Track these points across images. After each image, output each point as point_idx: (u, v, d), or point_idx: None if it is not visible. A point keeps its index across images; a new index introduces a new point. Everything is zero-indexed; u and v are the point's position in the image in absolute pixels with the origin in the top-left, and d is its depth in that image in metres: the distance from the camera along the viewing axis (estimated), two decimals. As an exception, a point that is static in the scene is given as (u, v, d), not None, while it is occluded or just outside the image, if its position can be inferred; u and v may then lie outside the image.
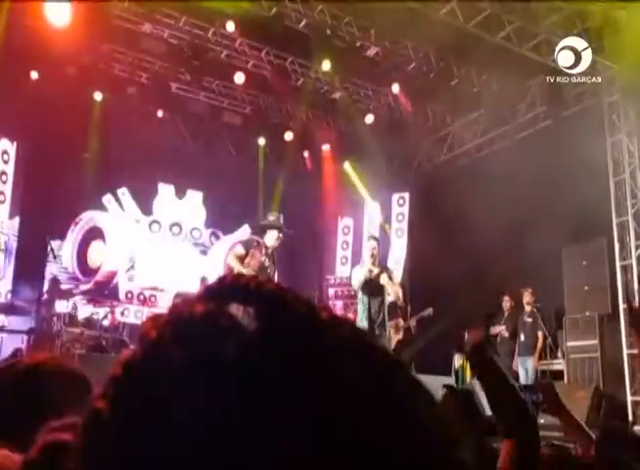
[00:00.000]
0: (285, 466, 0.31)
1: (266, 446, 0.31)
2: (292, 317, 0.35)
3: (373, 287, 6.37)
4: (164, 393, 0.32)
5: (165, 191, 10.70)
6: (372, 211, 11.96)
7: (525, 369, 8.02)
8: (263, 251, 5.97)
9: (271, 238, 6.01)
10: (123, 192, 10.32)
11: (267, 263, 5.99)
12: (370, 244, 6.83)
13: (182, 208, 10.89)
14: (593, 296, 7.85)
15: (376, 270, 6.45)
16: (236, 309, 0.35)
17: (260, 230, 6.32)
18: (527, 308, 8.18)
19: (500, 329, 8.48)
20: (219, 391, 0.31)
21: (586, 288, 7.93)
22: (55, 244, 9.08)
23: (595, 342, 7.72)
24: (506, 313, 8.57)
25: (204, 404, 0.31)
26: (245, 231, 10.96)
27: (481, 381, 1.43)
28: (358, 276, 6.49)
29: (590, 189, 7.67)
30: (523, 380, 7.85)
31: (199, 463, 0.30)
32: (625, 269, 7.92)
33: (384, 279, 6.39)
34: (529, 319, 8.13)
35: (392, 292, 6.51)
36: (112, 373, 0.34)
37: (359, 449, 0.32)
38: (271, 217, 6.29)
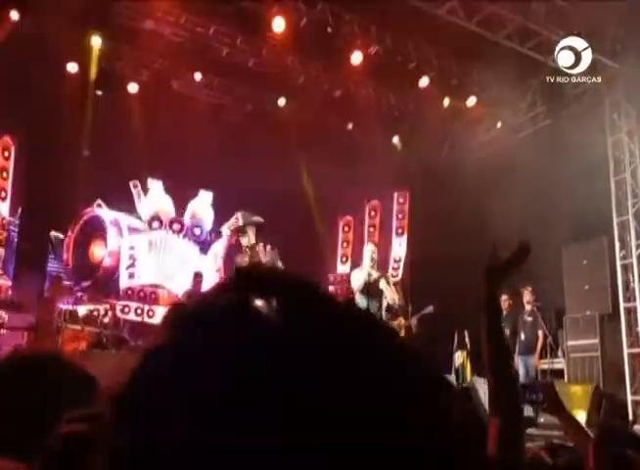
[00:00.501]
0: (310, 457, 0.31)
1: (289, 435, 0.31)
2: (313, 308, 0.36)
3: (371, 290, 6.48)
4: (189, 383, 0.32)
5: (166, 189, 10.70)
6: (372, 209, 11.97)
7: (525, 368, 8.03)
8: (248, 252, 6.01)
9: (249, 237, 6.04)
10: (124, 190, 10.33)
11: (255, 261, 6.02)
12: (369, 248, 7.00)
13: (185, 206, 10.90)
14: (593, 295, 7.86)
15: (375, 274, 6.59)
16: (257, 300, 0.36)
17: (236, 234, 6.39)
18: (528, 307, 8.18)
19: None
20: (244, 381, 0.32)
21: (587, 287, 7.94)
22: (55, 241, 9.11)
23: (595, 341, 7.73)
24: (505, 312, 8.57)
25: (229, 395, 0.31)
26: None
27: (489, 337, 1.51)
28: (358, 279, 6.60)
29: (591, 188, 7.67)
30: (523, 379, 7.86)
31: (222, 452, 0.31)
32: (626, 268, 7.92)
33: (382, 284, 6.51)
34: (530, 318, 8.13)
35: (390, 297, 6.63)
36: (138, 361, 0.34)
37: (382, 439, 0.32)
38: (237, 220, 6.30)
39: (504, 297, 8.55)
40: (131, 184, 10.44)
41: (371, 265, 6.65)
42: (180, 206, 10.81)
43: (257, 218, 6.35)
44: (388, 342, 0.37)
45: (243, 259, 5.99)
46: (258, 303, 0.35)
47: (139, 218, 10.50)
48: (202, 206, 11.04)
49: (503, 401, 1.40)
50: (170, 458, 0.31)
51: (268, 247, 6.09)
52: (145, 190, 10.51)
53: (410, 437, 0.33)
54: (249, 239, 6.01)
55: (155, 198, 10.58)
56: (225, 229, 6.40)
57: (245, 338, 0.33)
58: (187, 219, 10.89)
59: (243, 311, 0.35)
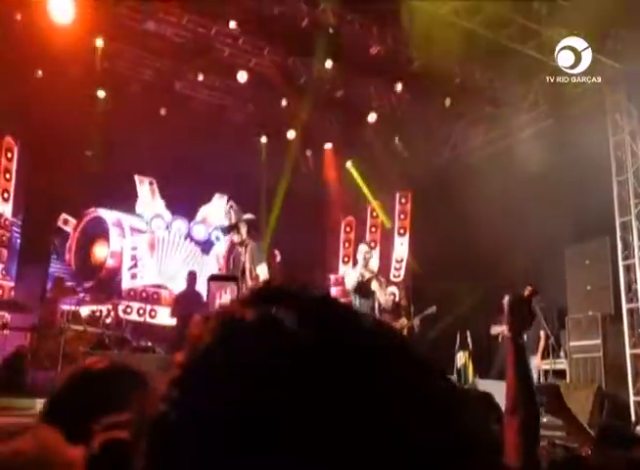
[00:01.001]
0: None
1: (320, 447, 0.32)
2: (339, 324, 0.37)
3: (363, 290, 6.55)
4: (223, 398, 0.33)
5: (167, 188, 10.72)
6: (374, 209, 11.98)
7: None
8: (239, 249, 6.08)
9: (241, 234, 6.11)
10: (126, 190, 10.34)
11: (242, 258, 6.08)
12: (362, 248, 7.01)
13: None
14: (596, 295, 7.85)
15: (367, 274, 6.66)
16: (282, 313, 0.37)
17: (228, 233, 6.49)
18: (530, 308, 8.16)
19: (502, 329, 8.48)
20: (276, 397, 0.33)
21: (589, 288, 7.93)
22: (58, 241, 9.11)
23: (598, 342, 7.71)
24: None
25: (262, 410, 0.33)
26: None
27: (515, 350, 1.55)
28: (351, 279, 6.67)
29: (593, 188, 7.66)
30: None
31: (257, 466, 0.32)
32: (628, 269, 7.90)
33: (374, 285, 6.58)
34: (531, 319, 8.11)
35: (382, 299, 6.68)
36: (171, 375, 0.36)
37: (407, 449, 0.33)
38: (228, 220, 6.36)
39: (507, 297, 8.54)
40: (147, 181, 10.48)
41: (364, 265, 6.70)
42: (180, 205, 10.82)
43: (249, 215, 6.44)
44: (413, 359, 0.38)
45: (238, 258, 6.06)
46: (286, 317, 0.36)
47: (141, 218, 10.52)
48: (213, 211, 11.08)
49: (528, 443, 1.43)
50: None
51: (254, 244, 6.17)
52: (153, 190, 10.55)
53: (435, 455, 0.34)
54: (240, 236, 6.08)
55: (147, 199, 10.59)
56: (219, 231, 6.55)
57: (275, 354, 0.34)
58: (197, 222, 10.92)
59: (272, 327, 0.36)
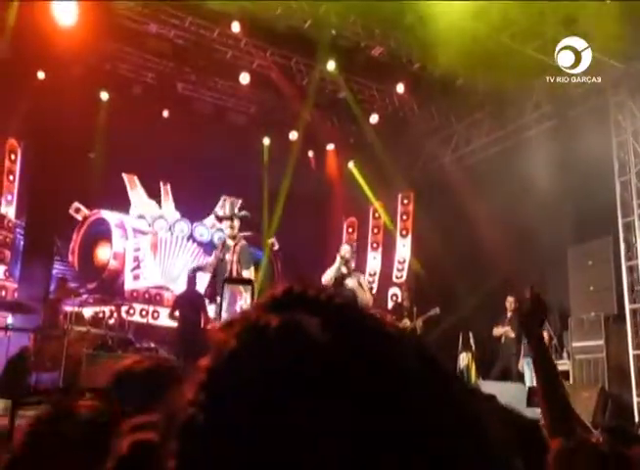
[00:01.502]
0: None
1: (345, 453, 0.33)
2: (361, 330, 0.38)
3: (337, 286, 6.63)
4: (249, 403, 0.35)
5: (170, 190, 10.74)
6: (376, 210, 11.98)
7: (530, 370, 8.00)
8: (229, 244, 6.06)
9: (233, 228, 6.09)
10: (129, 191, 10.36)
11: (227, 257, 6.03)
12: (343, 247, 7.23)
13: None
14: (599, 296, 7.83)
15: (345, 270, 6.82)
16: (305, 319, 0.38)
17: (220, 222, 6.49)
18: (532, 309, 8.15)
19: (505, 330, 8.47)
20: (301, 403, 0.34)
21: (592, 288, 7.91)
22: (61, 243, 9.14)
23: (601, 342, 7.70)
24: (510, 314, 8.55)
25: (288, 416, 0.34)
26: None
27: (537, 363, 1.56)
28: (327, 275, 6.82)
29: (596, 189, 7.65)
30: (528, 380, 7.83)
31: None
32: (631, 270, 7.89)
33: (352, 283, 6.69)
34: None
35: (362, 298, 6.75)
36: (198, 379, 0.37)
37: (428, 451, 0.35)
38: (222, 209, 6.37)
39: (510, 299, 8.53)
40: (161, 184, 10.51)
41: (342, 263, 6.90)
42: (182, 207, 10.83)
43: (245, 212, 6.46)
44: (436, 366, 0.39)
45: (226, 253, 6.02)
46: (309, 323, 0.38)
47: (144, 220, 10.54)
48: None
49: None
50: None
51: (245, 244, 6.15)
52: (144, 193, 10.55)
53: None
54: (233, 230, 6.07)
55: (167, 201, 10.61)
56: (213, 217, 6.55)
57: (299, 360, 0.36)
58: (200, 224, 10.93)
59: (296, 333, 0.37)
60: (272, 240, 10.27)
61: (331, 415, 0.34)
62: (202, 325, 7.49)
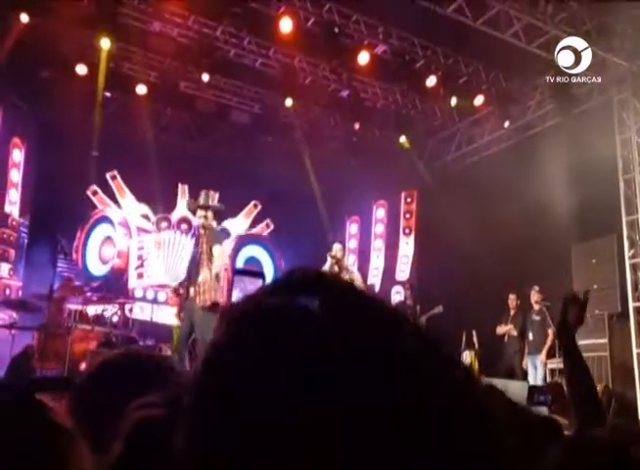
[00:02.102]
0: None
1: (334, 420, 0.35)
2: (360, 311, 0.40)
3: None
4: (252, 379, 0.37)
5: (175, 190, 10.74)
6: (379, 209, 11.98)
7: (534, 367, 8.00)
8: (202, 232, 6.06)
9: (207, 218, 6.11)
10: (118, 198, 10.39)
11: (201, 240, 5.98)
12: (334, 246, 7.39)
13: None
14: (602, 294, 7.82)
15: (336, 269, 6.96)
16: (306, 300, 0.40)
17: (194, 214, 6.53)
18: (536, 307, 8.15)
19: (508, 328, 8.46)
20: (300, 377, 0.36)
21: (595, 286, 7.89)
22: (65, 241, 9.15)
23: (604, 340, 7.70)
24: (512, 312, 8.54)
25: (286, 391, 0.36)
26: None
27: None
28: None
29: (600, 187, 7.64)
30: (532, 378, 7.83)
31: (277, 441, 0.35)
32: (635, 267, 7.88)
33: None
34: (538, 317, 8.10)
35: None
36: (206, 356, 0.40)
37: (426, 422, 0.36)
38: (200, 199, 6.35)
39: (512, 296, 8.52)
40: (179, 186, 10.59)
41: (334, 262, 7.09)
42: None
43: (219, 205, 6.47)
44: (432, 345, 0.41)
45: (199, 240, 6.01)
46: (308, 303, 0.39)
47: (148, 219, 10.56)
48: (237, 222, 11.23)
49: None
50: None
51: (215, 228, 6.18)
52: (147, 192, 10.55)
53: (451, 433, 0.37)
54: (206, 220, 6.07)
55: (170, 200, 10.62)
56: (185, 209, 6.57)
57: (301, 338, 0.37)
58: (193, 219, 10.95)
59: (297, 313, 0.39)
60: (267, 221, 10.30)
61: (329, 392, 0.35)
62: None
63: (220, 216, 6.48)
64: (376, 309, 0.41)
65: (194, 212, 6.41)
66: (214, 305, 5.74)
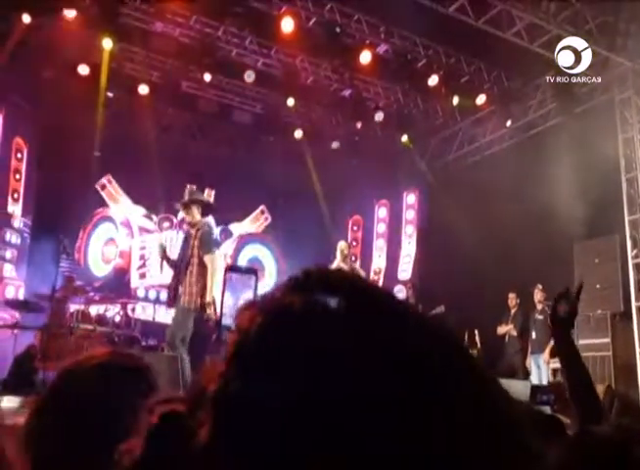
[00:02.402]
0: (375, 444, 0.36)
1: (360, 417, 0.36)
2: (379, 309, 0.41)
3: None
4: (276, 379, 0.38)
5: (177, 189, 10.74)
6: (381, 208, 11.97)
7: (537, 367, 7.98)
8: (191, 231, 5.91)
9: (192, 215, 5.95)
10: (133, 190, 10.39)
11: (191, 241, 5.82)
12: (340, 244, 7.46)
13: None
14: (605, 294, 7.81)
15: (345, 266, 6.97)
16: (326, 299, 0.41)
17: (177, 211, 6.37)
18: (539, 306, 8.12)
19: (508, 328, 8.44)
20: (324, 374, 0.37)
21: (598, 286, 7.89)
22: (67, 241, 9.16)
23: (607, 340, 7.68)
24: (512, 311, 8.52)
25: (311, 386, 0.37)
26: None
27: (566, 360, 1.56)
28: None
29: (602, 186, 7.62)
30: (536, 378, 7.81)
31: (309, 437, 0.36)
32: (637, 267, 7.86)
33: None
34: (541, 317, 8.07)
35: None
36: (228, 356, 0.41)
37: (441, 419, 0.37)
38: (184, 197, 6.21)
39: (511, 295, 8.51)
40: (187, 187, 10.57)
41: (341, 259, 7.14)
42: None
43: (204, 198, 6.33)
44: (447, 340, 0.42)
45: (187, 240, 5.85)
46: (326, 301, 0.41)
47: (150, 219, 10.57)
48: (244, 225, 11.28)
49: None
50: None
51: (207, 230, 5.95)
52: (150, 192, 10.56)
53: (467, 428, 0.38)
54: (192, 216, 5.89)
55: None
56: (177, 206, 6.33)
57: (322, 337, 0.39)
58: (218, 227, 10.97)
59: (317, 312, 0.40)
60: (262, 207, 10.23)
61: (352, 387, 0.37)
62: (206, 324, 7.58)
63: (209, 210, 6.24)
64: (393, 307, 0.42)
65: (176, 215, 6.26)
66: (199, 308, 5.68)
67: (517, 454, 0.40)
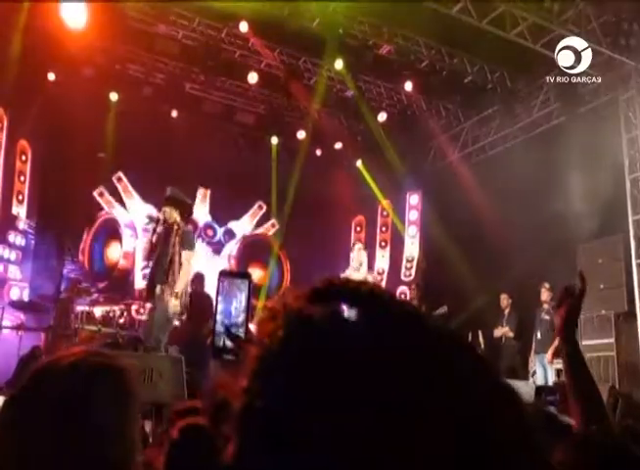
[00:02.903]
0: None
1: (375, 426, 0.37)
2: (400, 321, 0.42)
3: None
4: (301, 388, 0.39)
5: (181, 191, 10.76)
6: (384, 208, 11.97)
7: (542, 367, 7.94)
8: (170, 231, 5.83)
9: (170, 214, 5.87)
10: (124, 198, 10.43)
11: (172, 239, 5.76)
12: (357, 245, 7.70)
13: (197, 207, 10.99)
14: (609, 294, 7.79)
15: (357, 265, 7.21)
16: (346, 310, 0.42)
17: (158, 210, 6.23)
18: (545, 306, 8.08)
19: (504, 330, 8.41)
20: (347, 384, 0.38)
21: (602, 286, 7.87)
22: (72, 243, 9.20)
23: (611, 340, 7.66)
24: (506, 312, 8.49)
25: (336, 397, 0.38)
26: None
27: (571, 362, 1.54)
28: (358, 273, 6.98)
29: (606, 186, 7.61)
30: (540, 377, 7.79)
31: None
32: (642, 267, 7.84)
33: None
34: (547, 317, 8.03)
35: None
36: (251, 368, 0.41)
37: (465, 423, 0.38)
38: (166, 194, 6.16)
39: (503, 296, 8.49)
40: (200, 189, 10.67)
41: (358, 266, 7.43)
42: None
43: (181, 197, 6.22)
44: (460, 346, 0.43)
45: (166, 239, 5.77)
46: (348, 313, 0.41)
47: (153, 220, 10.58)
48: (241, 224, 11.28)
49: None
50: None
51: (187, 229, 5.90)
52: (153, 193, 10.58)
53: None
54: (170, 215, 5.83)
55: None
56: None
57: (344, 347, 0.39)
58: (200, 220, 10.98)
59: (338, 323, 0.41)
60: (273, 221, 10.24)
61: (379, 399, 0.37)
62: (207, 324, 7.63)
63: (187, 210, 6.20)
64: (414, 318, 0.43)
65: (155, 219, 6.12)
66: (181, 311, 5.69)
67: (535, 458, 0.41)
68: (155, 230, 5.90)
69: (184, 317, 7.77)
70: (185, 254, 5.70)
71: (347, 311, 0.41)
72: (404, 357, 0.39)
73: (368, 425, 0.37)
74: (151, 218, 6.32)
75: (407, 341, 0.40)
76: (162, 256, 5.74)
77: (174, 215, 5.84)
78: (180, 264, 5.70)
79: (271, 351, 0.41)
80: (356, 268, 7.48)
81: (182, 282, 5.70)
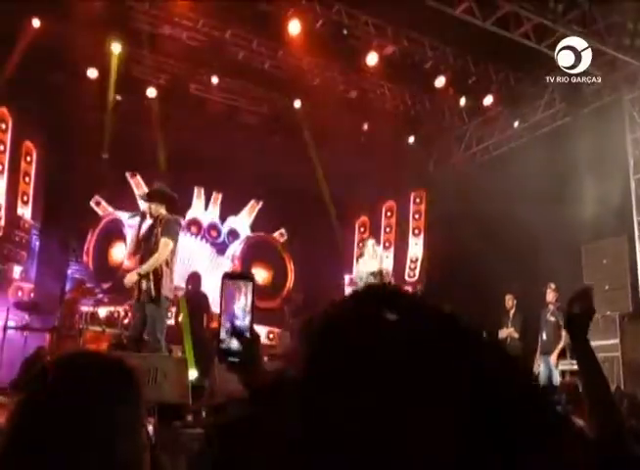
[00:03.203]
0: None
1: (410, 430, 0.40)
2: (437, 327, 0.45)
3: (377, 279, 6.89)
4: (352, 386, 0.41)
5: (184, 191, 10.79)
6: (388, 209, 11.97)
7: (547, 368, 7.91)
8: (154, 223, 5.76)
9: (155, 208, 5.78)
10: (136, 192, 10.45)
11: (155, 230, 5.65)
12: (370, 241, 7.84)
13: (199, 208, 11.01)
14: (614, 295, 7.77)
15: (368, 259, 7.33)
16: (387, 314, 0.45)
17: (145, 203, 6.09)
18: (551, 307, 8.05)
19: (509, 331, 8.38)
20: (388, 381, 0.40)
21: (607, 287, 7.85)
22: (76, 243, 9.22)
23: (616, 341, 7.64)
24: (510, 313, 8.47)
25: (376, 392, 0.40)
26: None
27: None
28: (360, 273, 7.06)
29: (610, 187, 7.59)
30: (544, 378, 7.76)
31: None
32: (647, 268, 7.82)
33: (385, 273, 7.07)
34: (552, 318, 8.00)
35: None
36: (299, 370, 0.44)
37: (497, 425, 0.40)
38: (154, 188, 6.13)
39: (508, 296, 8.46)
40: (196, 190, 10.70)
41: (370, 256, 7.51)
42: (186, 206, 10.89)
43: (168, 191, 6.15)
44: (494, 349, 0.46)
45: (150, 231, 5.71)
46: (387, 315, 0.44)
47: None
48: (239, 221, 11.27)
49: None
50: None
51: (171, 219, 5.83)
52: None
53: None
54: (155, 210, 5.75)
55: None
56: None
57: (385, 351, 0.42)
58: (204, 221, 11.00)
59: (376, 323, 0.43)
60: (281, 230, 10.25)
61: (414, 394, 0.40)
62: (206, 324, 7.70)
63: (173, 205, 6.10)
64: (450, 324, 0.45)
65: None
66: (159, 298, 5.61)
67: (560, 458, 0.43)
68: (140, 226, 5.81)
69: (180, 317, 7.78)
70: (163, 240, 5.55)
71: (391, 316, 0.44)
72: (440, 356, 0.41)
73: (413, 425, 0.39)
74: (135, 214, 6.21)
75: (442, 342, 0.42)
76: (147, 253, 5.65)
77: (160, 211, 5.78)
78: (170, 256, 5.62)
79: (316, 354, 0.43)
80: (371, 256, 7.56)
81: (149, 265, 5.49)
